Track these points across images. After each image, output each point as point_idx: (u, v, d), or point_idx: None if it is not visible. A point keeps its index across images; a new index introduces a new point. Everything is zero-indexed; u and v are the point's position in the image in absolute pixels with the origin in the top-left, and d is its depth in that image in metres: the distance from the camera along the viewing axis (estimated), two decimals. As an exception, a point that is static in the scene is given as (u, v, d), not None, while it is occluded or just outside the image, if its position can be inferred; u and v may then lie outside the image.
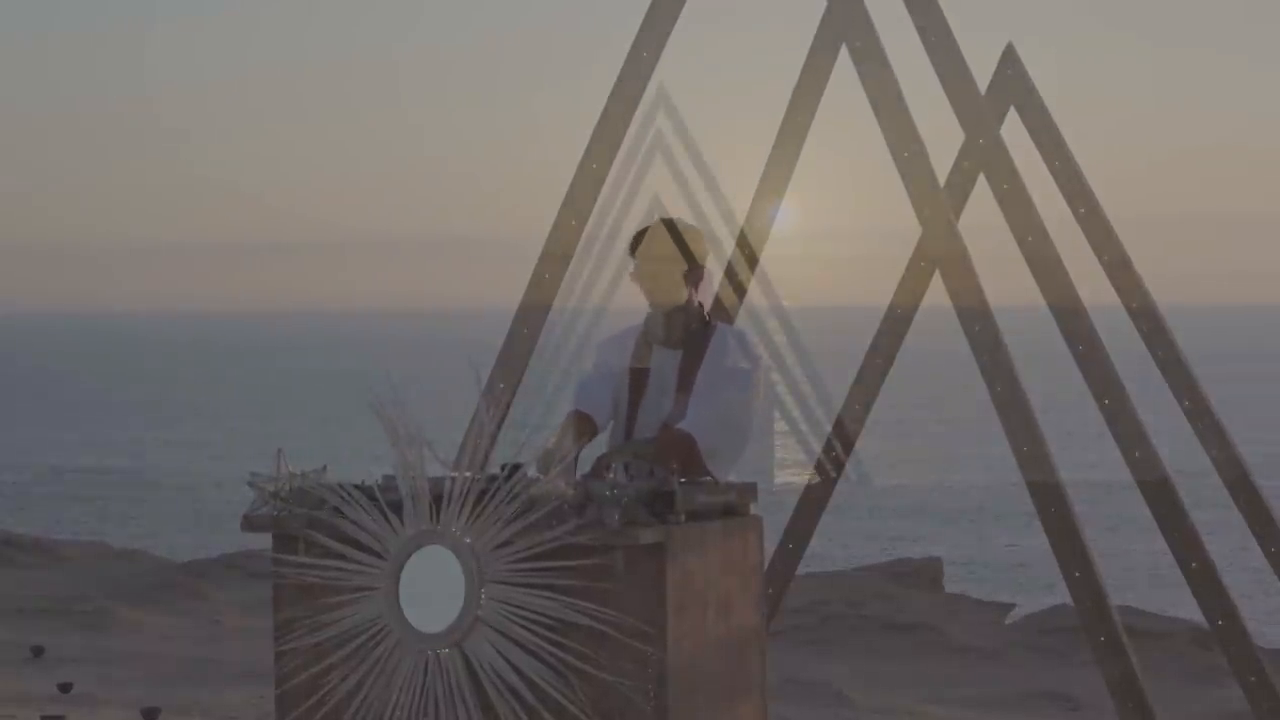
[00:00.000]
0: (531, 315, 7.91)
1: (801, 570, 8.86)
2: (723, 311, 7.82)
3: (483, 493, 5.60)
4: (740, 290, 8.11)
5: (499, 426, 7.38)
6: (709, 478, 6.09)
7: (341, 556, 5.73)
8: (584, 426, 6.35)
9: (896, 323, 8.41)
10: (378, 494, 5.74)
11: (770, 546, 6.90)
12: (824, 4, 7.99)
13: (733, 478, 6.17)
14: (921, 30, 7.74)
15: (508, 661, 5.55)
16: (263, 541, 5.96)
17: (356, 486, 5.78)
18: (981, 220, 8.13)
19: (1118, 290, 8.27)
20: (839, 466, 8.37)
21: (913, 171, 7.63)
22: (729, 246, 8.27)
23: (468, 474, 5.71)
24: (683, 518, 5.57)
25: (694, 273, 6.50)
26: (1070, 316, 7.76)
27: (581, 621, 5.50)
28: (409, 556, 5.66)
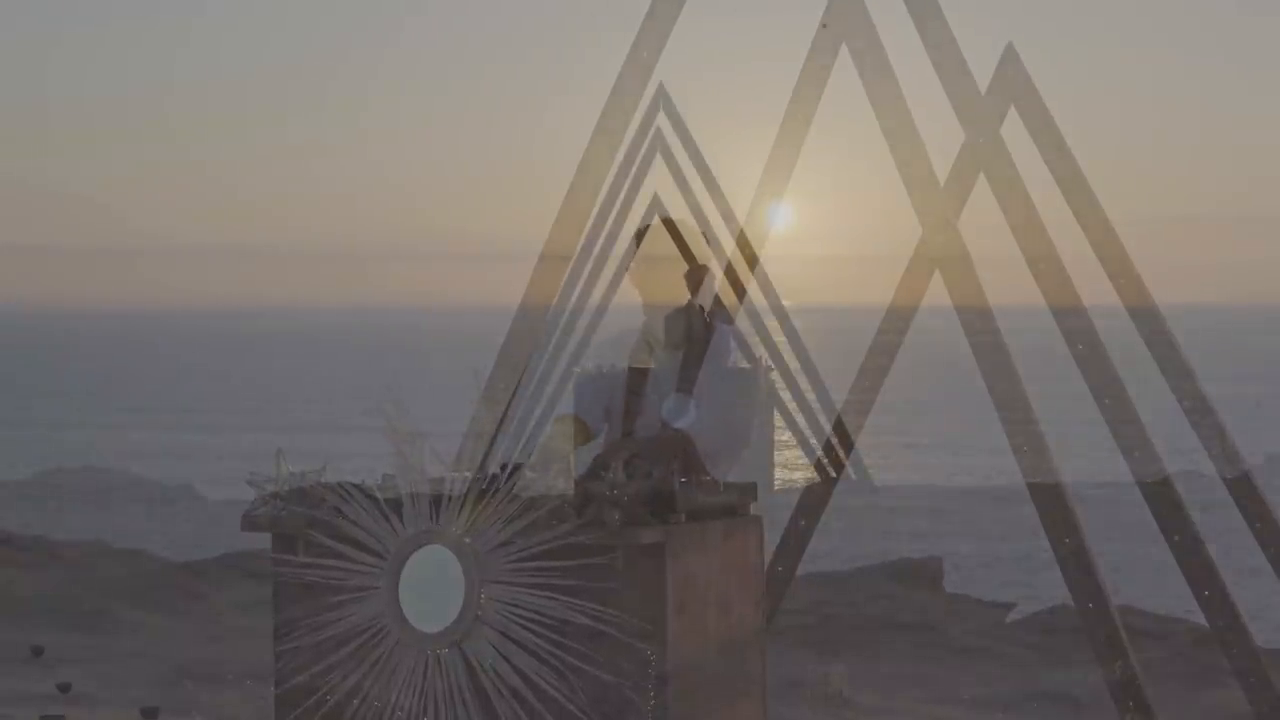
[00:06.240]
0: (531, 315, 7.91)
1: (801, 570, 8.86)
2: (723, 312, 7.82)
3: (483, 492, 5.59)
4: (740, 290, 8.12)
5: (499, 426, 7.37)
6: (707, 478, 6.07)
7: (341, 556, 5.73)
8: (578, 430, 6.31)
9: (896, 322, 8.41)
10: (377, 493, 5.74)
11: (770, 546, 6.90)
12: (824, 4, 8.00)
13: (732, 477, 6.16)
14: (922, 30, 7.74)
15: (508, 661, 5.55)
16: (262, 541, 5.96)
17: (356, 486, 5.78)
18: (981, 220, 8.14)
19: (1117, 290, 8.28)
20: (839, 466, 8.38)
21: (913, 171, 7.64)
22: (729, 246, 8.28)
23: (467, 473, 5.71)
24: (683, 518, 5.57)
25: (694, 274, 6.42)
26: (1070, 316, 7.76)
27: (581, 621, 5.50)
28: (409, 556, 5.66)
